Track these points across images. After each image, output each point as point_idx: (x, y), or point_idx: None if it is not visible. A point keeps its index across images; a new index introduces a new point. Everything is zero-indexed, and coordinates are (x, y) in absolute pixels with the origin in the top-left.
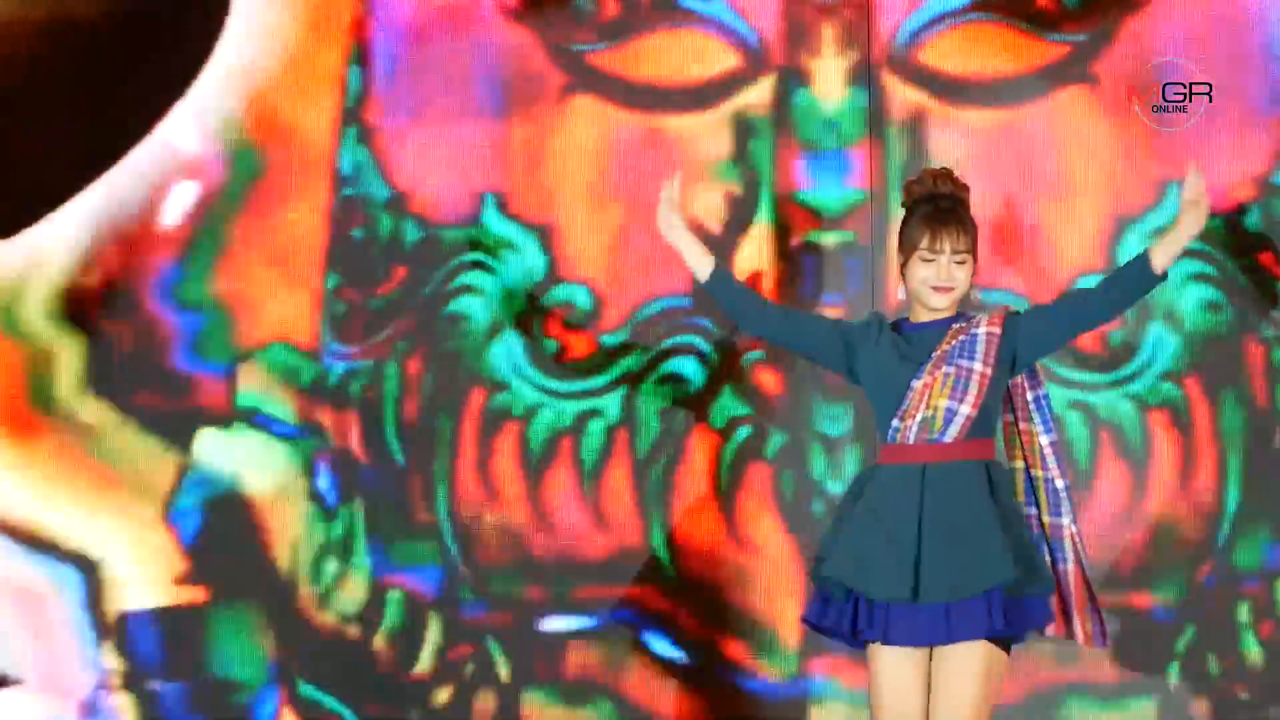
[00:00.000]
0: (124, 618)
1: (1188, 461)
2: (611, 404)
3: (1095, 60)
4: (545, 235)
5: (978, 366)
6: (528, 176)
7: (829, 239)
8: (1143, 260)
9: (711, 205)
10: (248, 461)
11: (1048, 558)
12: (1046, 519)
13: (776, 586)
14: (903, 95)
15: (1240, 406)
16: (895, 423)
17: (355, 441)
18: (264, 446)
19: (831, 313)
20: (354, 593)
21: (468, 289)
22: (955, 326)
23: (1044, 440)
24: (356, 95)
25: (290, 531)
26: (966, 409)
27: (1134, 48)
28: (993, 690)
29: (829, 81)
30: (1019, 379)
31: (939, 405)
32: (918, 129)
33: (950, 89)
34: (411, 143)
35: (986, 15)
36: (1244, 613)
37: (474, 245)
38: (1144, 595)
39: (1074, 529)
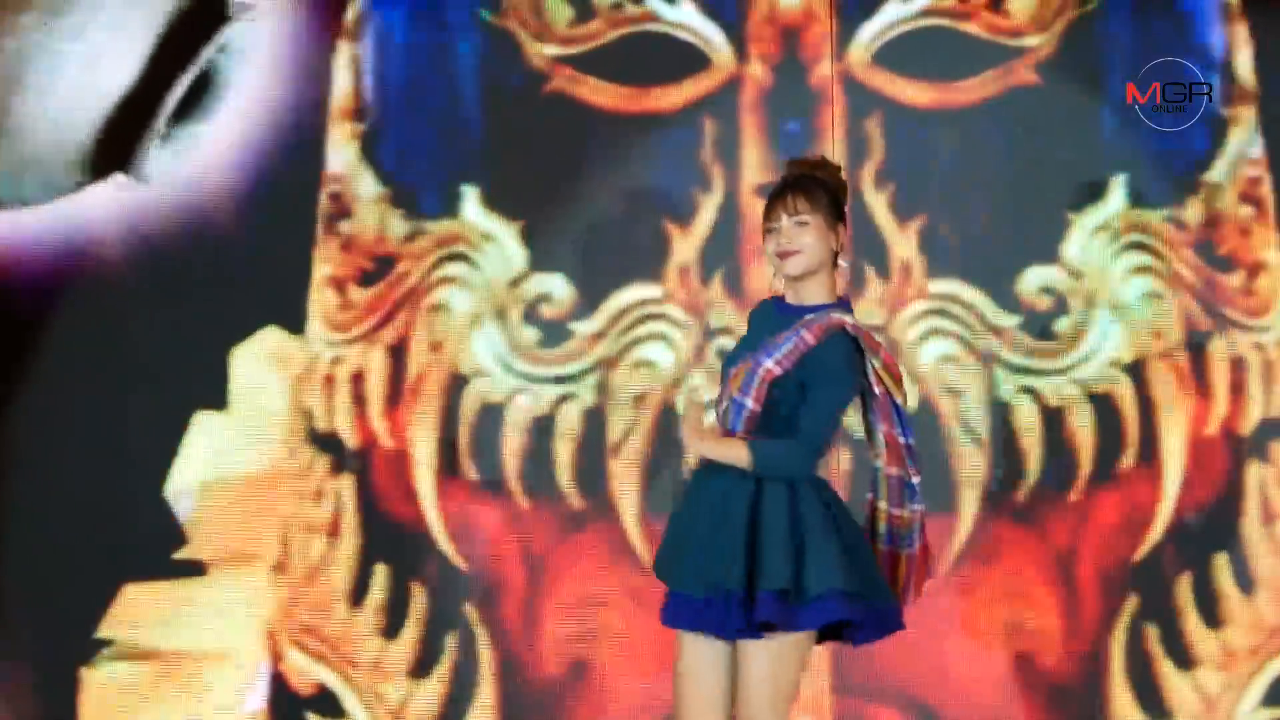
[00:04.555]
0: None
1: (1131, 445)
2: (586, 389)
3: (1045, 61)
4: (523, 229)
5: (768, 364)
6: (507, 172)
7: None
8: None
9: (683, 199)
10: (241, 442)
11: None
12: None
13: None
14: (863, 95)
15: (1181, 393)
16: (714, 410)
17: (343, 424)
18: (256, 428)
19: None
20: (342, 569)
21: (450, 280)
22: (806, 318)
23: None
24: (344, 95)
25: (281, 510)
26: (750, 403)
27: (1081, 50)
28: (782, 687)
29: (793, 80)
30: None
31: (734, 398)
32: (878, 126)
33: (909, 89)
34: (397, 141)
35: (943, 19)
36: (1184, 589)
37: (456, 238)
38: (1089, 570)
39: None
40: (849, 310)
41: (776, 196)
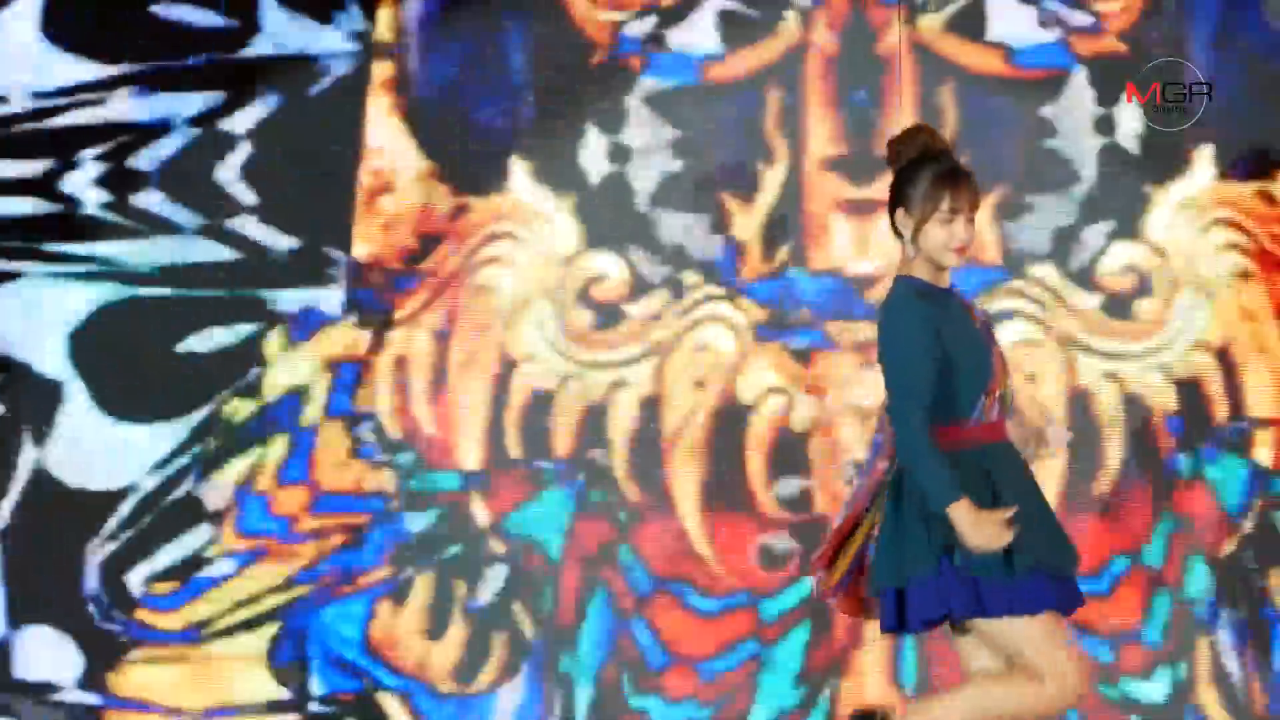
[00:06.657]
0: None
1: (1217, 430)
2: (643, 375)
3: (1126, 28)
4: (576, 204)
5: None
6: (559, 146)
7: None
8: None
9: (745, 172)
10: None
11: None
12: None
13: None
14: (934, 62)
15: (1272, 378)
16: (982, 399)
17: (386, 411)
18: (292, 414)
19: None
20: (382, 567)
21: (496, 260)
22: (968, 301)
23: None
24: (389, 66)
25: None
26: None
27: (1163, 16)
28: None
29: (861, 47)
30: None
31: (1008, 382)
32: (949, 95)
33: (981, 56)
34: (442, 114)
35: None
36: (1276, 584)
37: (504, 215)
38: (1174, 565)
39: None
40: None
41: (958, 183)
